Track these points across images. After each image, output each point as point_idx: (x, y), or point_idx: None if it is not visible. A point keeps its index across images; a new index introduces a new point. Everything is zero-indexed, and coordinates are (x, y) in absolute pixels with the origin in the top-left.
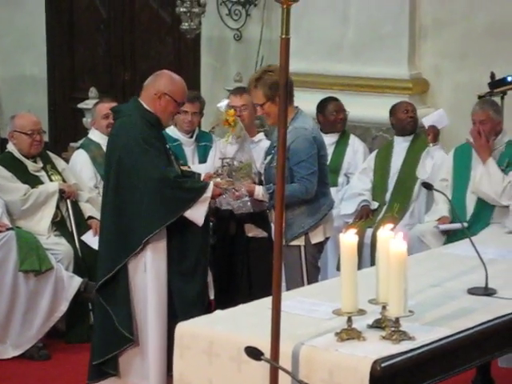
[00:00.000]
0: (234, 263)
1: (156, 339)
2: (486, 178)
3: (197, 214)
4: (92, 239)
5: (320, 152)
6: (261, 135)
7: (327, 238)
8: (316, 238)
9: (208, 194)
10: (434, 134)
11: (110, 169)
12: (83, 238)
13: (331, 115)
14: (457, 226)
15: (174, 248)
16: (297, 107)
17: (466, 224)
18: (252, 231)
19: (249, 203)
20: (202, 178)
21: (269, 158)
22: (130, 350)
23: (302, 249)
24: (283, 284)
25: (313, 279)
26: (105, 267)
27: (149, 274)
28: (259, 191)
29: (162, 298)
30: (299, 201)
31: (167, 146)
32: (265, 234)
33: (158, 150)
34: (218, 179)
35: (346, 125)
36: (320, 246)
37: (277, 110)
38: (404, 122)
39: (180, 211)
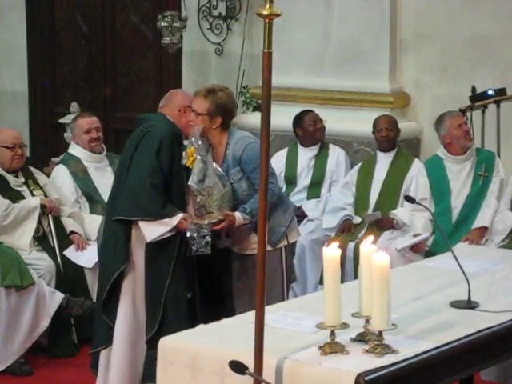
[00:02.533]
0: (218, 277)
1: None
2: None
3: (149, 230)
4: (74, 254)
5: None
6: None
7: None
8: (293, 236)
9: (173, 221)
10: None
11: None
12: (65, 252)
13: (309, 126)
14: (415, 240)
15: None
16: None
17: (427, 234)
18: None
19: (208, 246)
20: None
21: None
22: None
23: (283, 249)
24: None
25: (290, 277)
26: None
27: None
28: (239, 217)
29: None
30: (270, 206)
31: (183, 163)
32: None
33: (163, 159)
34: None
35: (324, 134)
36: (294, 246)
37: (208, 126)
38: (381, 139)
39: (137, 216)
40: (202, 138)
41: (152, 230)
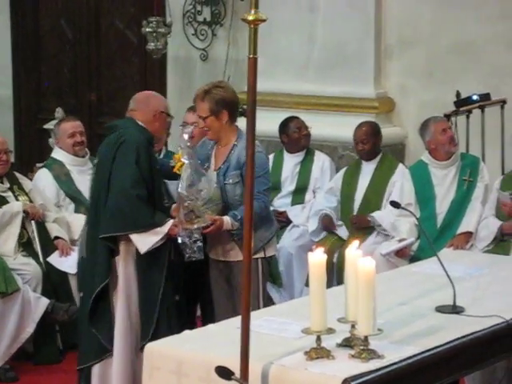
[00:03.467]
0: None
1: (119, 351)
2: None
3: (142, 242)
4: (58, 260)
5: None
6: None
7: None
8: (270, 251)
9: (164, 229)
10: None
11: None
12: (49, 259)
13: (294, 133)
14: (400, 245)
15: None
16: (237, 126)
17: (412, 239)
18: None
19: (201, 251)
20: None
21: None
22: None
23: (260, 261)
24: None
25: (265, 292)
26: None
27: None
28: (227, 222)
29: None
30: (258, 218)
31: (158, 167)
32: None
33: (142, 167)
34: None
35: (309, 141)
36: (271, 259)
37: (218, 125)
38: (359, 152)
39: (127, 229)
40: (191, 142)
41: (144, 242)
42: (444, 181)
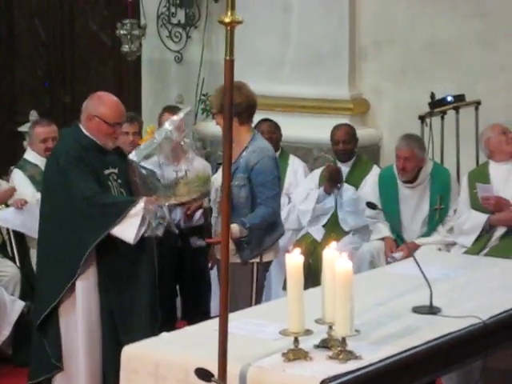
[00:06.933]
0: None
1: (85, 367)
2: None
3: (124, 231)
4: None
5: (279, 174)
6: None
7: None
8: (268, 256)
9: (138, 207)
10: None
11: (44, 195)
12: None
13: (263, 135)
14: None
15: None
16: (253, 129)
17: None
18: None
19: (160, 229)
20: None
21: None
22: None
23: (255, 266)
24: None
25: (260, 296)
26: (46, 299)
27: (77, 303)
28: (236, 230)
29: (93, 324)
30: (266, 224)
31: (106, 172)
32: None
33: (82, 171)
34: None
35: (279, 144)
36: (268, 265)
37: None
38: (338, 152)
39: (105, 229)
40: (179, 128)
41: (126, 230)
42: (411, 200)
